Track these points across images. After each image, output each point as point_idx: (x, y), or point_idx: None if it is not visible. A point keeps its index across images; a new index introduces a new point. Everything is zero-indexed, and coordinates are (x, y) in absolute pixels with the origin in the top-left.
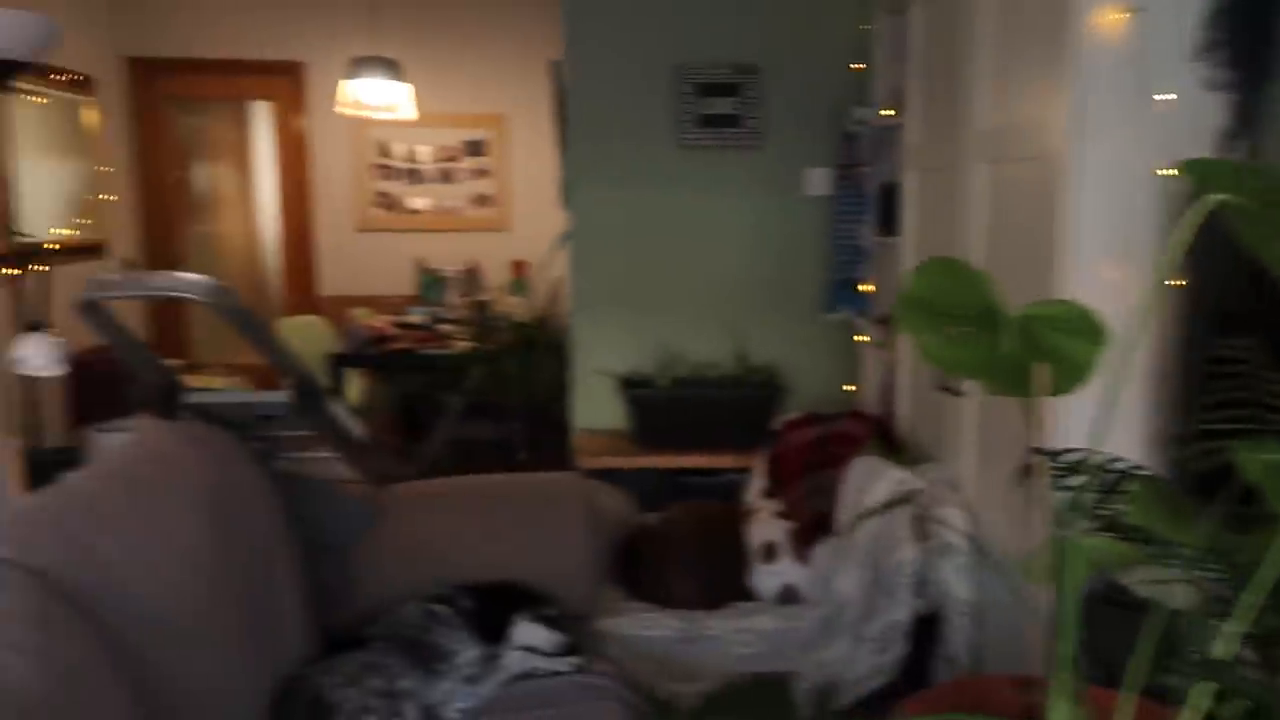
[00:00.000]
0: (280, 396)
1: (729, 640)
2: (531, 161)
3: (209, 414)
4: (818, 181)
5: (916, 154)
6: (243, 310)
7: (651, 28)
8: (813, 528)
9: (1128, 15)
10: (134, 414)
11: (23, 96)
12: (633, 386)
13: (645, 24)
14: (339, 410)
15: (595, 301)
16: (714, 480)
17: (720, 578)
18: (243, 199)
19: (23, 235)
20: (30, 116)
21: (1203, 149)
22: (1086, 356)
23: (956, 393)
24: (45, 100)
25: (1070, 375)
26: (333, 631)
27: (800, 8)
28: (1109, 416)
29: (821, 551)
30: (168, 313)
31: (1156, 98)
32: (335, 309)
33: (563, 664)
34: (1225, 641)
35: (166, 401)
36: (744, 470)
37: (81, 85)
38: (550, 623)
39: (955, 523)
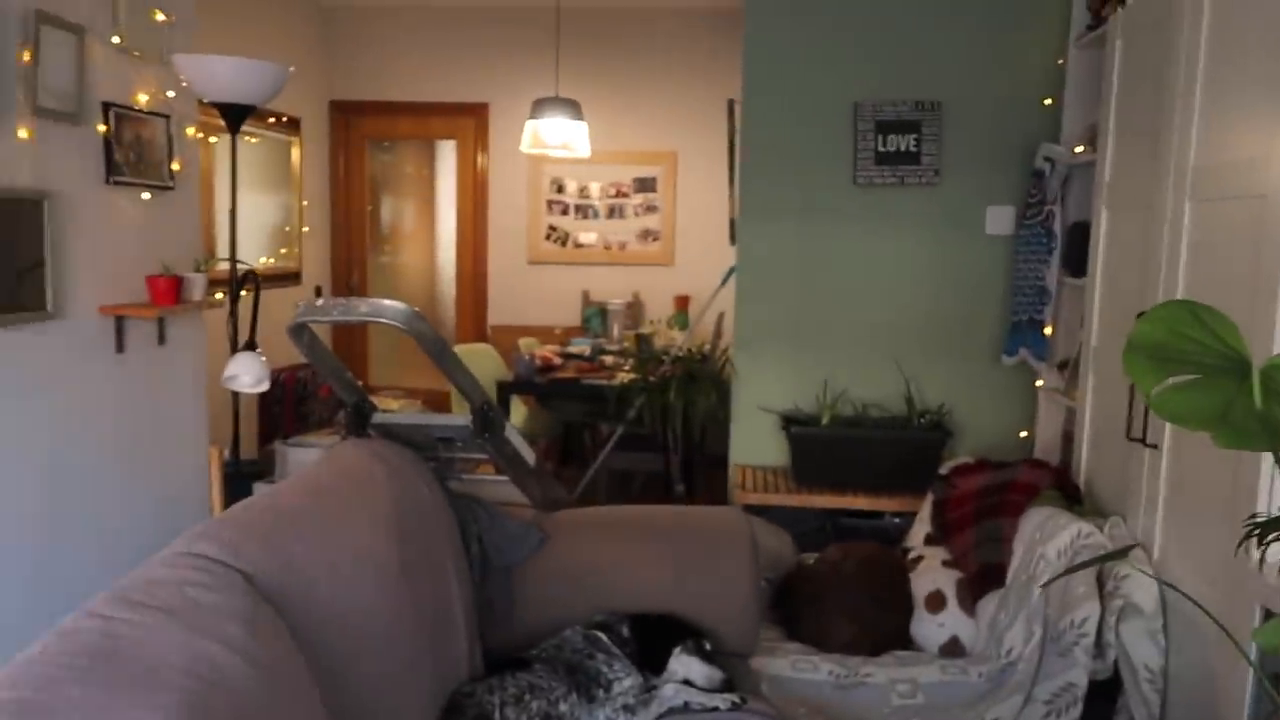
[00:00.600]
0: (460, 420)
1: (887, 689)
2: (699, 198)
3: (394, 433)
4: (999, 220)
5: (1111, 192)
6: (435, 337)
7: (832, 66)
8: (982, 579)
9: None
10: (317, 429)
11: (244, 137)
12: (794, 424)
13: (826, 63)
14: (514, 436)
15: (760, 337)
16: (874, 523)
17: (881, 624)
18: (424, 232)
19: (241, 263)
20: (246, 155)
21: None
22: None
23: (1151, 445)
24: (260, 140)
25: None
26: (493, 650)
27: (990, 43)
28: None
29: (989, 604)
30: (346, 337)
31: None
32: (504, 338)
33: (719, 700)
34: None
35: (357, 420)
36: (907, 514)
37: (291, 126)
38: (708, 657)
39: (1141, 582)
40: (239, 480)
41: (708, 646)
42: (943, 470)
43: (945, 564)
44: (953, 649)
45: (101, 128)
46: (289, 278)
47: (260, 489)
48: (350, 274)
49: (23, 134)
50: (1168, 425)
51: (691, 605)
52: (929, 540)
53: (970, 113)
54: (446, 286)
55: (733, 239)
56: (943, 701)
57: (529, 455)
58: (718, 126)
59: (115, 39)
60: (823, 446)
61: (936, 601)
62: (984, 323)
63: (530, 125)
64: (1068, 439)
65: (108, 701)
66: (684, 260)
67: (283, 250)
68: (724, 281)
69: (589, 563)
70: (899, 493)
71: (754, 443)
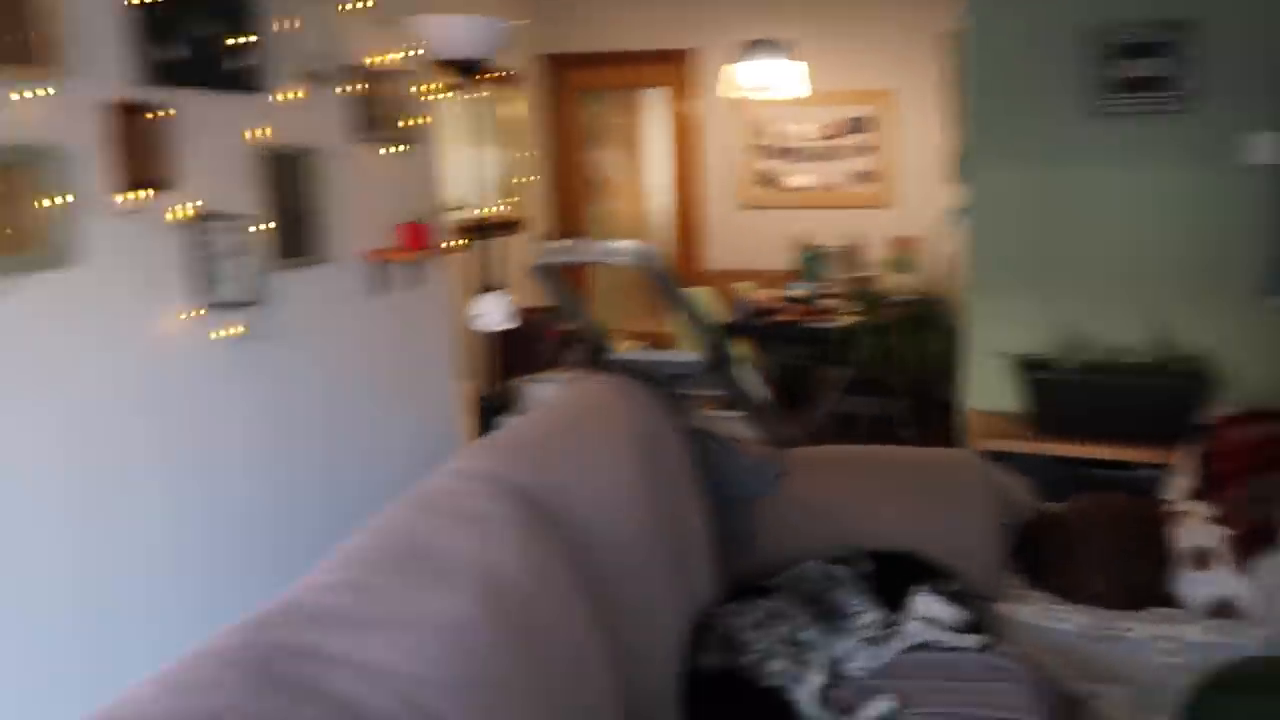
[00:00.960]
0: (693, 357)
1: (1148, 647)
2: (916, 137)
3: (630, 370)
4: (1264, 148)
5: None
6: (667, 275)
7: None
8: (1255, 537)
9: None
10: (551, 367)
11: (467, 93)
12: (1034, 369)
13: None
14: (745, 374)
15: (994, 279)
16: (1123, 474)
17: (1133, 577)
18: (633, 180)
19: (480, 210)
20: (468, 111)
21: None
22: None
23: None
24: (480, 96)
25: None
26: (735, 580)
27: None
28: None
29: (1267, 566)
30: (571, 280)
31: None
32: (720, 283)
33: (964, 640)
34: None
35: (596, 357)
36: (1160, 466)
37: (510, 80)
38: (952, 597)
39: None
40: (489, 413)
41: (953, 587)
42: (1207, 420)
43: (1211, 520)
44: (1223, 610)
45: (353, 88)
46: (514, 226)
47: (506, 421)
48: (569, 222)
49: (292, 96)
50: None
51: (930, 545)
52: (1194, 495)
53: (1228, 31)
54: (658, 233)
55: (956, 178)
56: (1212, 663)
57: (760, 392)
58: (935, 62)
59: (365, 3)
60: (1066, 392)
61: (1202, 559)
62: (1248, 261)
63: (739, 68)
64: None
65: (418, 589)
66: (902, 202)
67: (505, 200)
68: (954, 221)
69: (825, 498)
70: (1152, 443)
71: (987, 388)
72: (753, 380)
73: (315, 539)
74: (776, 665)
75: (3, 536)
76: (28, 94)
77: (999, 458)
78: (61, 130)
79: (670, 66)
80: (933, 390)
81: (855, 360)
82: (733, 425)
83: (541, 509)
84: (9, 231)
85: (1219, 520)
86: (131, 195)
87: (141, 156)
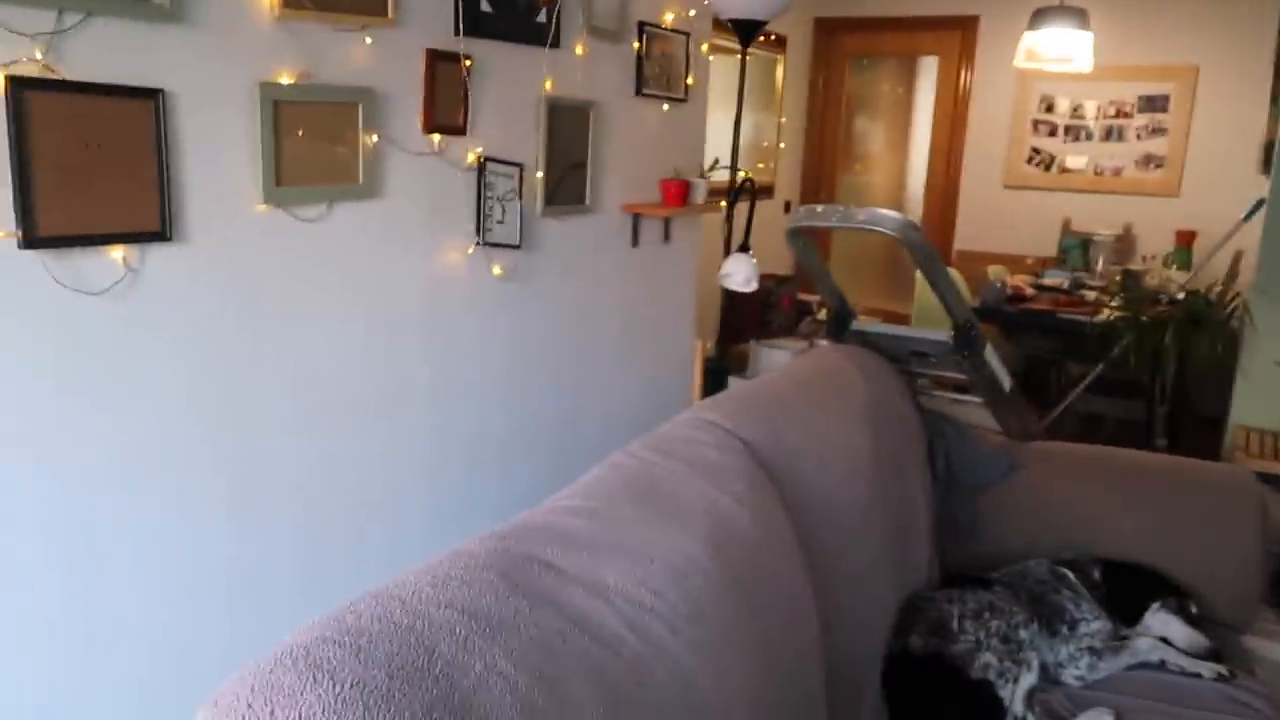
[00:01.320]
0: (940, 335)
1: None
2: (1216, 119)
3: (870, 342)
4: None
5: None
6: (928, 248)
7: None
8: None
9: None
10: (786, 334)
11: (738, 55)
12: None
13: None
14: (993, 358)
15: None
16: None
17: None
18: (896, 152)
19: (740, 172)
20: (736, 73)
21: None
22: None
23: None
24: (751, 58)
25: None
26: (951, 567)
27: None
28: None
29: None
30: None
31: None
32: (969, 264)
33: (1201, 667)
34: None
35: (838, 326)
36: None
37: (778, 44)
38: (1192, 620)
39: None
40: (714, 372)
41: (1194, 609)
42: None
43: None
44: None
45: (635, 45)
46: (763, 191)
47: (736, 382)
48: (819, 191)
49: (579, 50)
50: None
51: (1174, 562)
52: None
53: None
54: (914, 208)
55: (1265, 167)
56: None
57: (1005, 380)
58: (1254, 36)
59: None
60: None
61: None
62: None
63: (1027, 37)
64: None
65: (651, 524)
66: (1192, 191)
67: (760, 165)
68: (1249, 215)
69: (1059, 497)
70: None
71: (1264, 402)
72: (999, 366)
73: (546, 470)
74: (987, 658)
75: (287, 435)
76: (368, 39)
77: (1271, 480)
78: (387, 74)
79: (951, 33)
80: (1193, 399)
81: (1109, 358)
82: (971, 411)
83: (770, 466)
84: (334, 163)
85: None
86: (434, 137)
87: (446, 102)
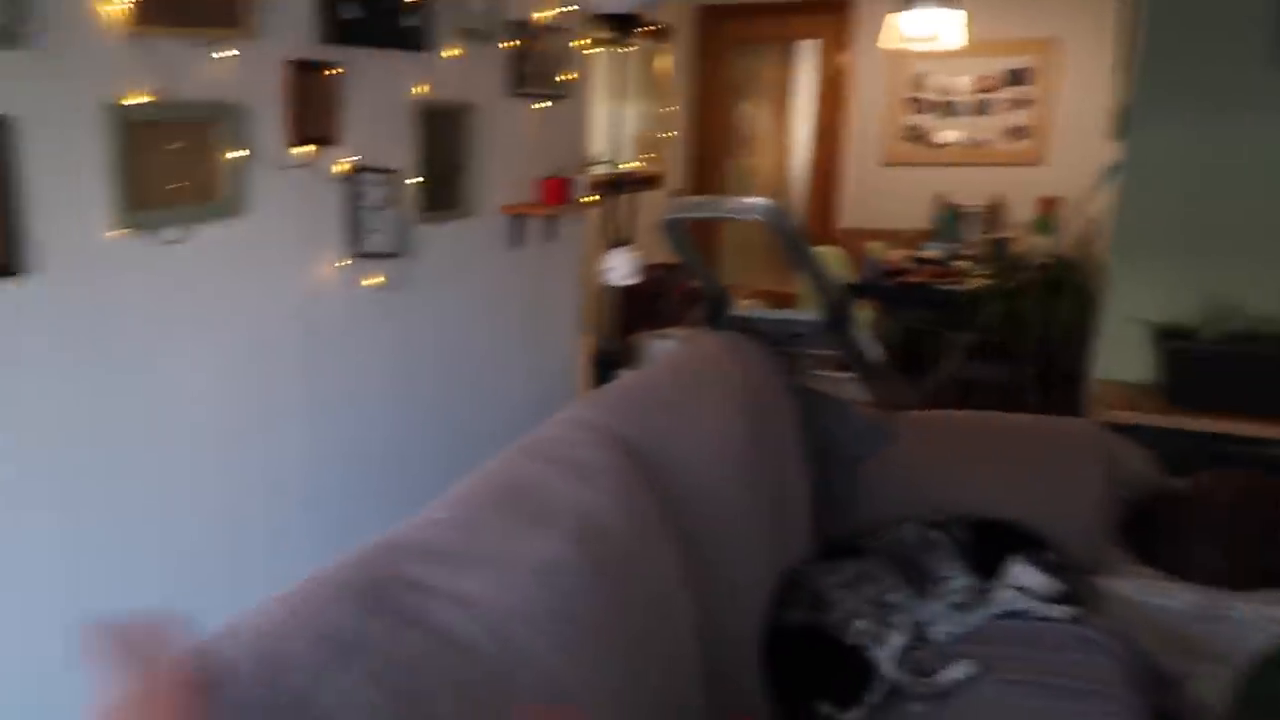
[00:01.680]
0: (813, 317)
1: (1255, 625)
2: (1078, 90)
3: (747, 328)
4: None
5: None
6: (795, 232)
7: None
8: None
9: None
10: (674, 323)
11: (618, 48)
12: (1173, 337)
13: None
14: (863, 336)
15: (1140, 243)
16: (1264, 451)
17: (1249, 558)
18: (778, 135)
19: (616, 166)
20: (617, 65)
21: None
22: None
23: None
24: (637, 48)
25: None
26: (831, 539)
27: None
28: None
29: None
30: (699, 239)
31: None
32: (852, 241)
33: (1056, 610)
34: None
35: (715, 314)
36: None
37: (660, 35)
38: (1048, 567)
39: None
40: (604, 366)
41: (1049, 558)
42: None
43: None
44: None
45: (510, 44)
46: (650, 181)
47: (624, 374)
48: (708, 178)
49: (452, 52)
50: None
51: (1034, 514)
52: None
53: None
54: (798, 189)
55: (1117, 134)
56: None
57: (875, 354)
58: (1112, 6)
59: None
60: (1205, 364)
61: None
62: None
63: (895, 18)
64: None
65: (517, 529)
66: (1057, 159)
67: (650, 155)
68: (1105, 180)
69: (931, 463)
70: None
71: (1121, 357)
72: (869, 342)
73: (436, 479)
74: (860, 625)
75: (160, 462)
76: (225, 54)
77: (1126, 430)
78: (247, 88)
79: (827, 17)
80: (1061, 358)
81: (982, 325)
82: (846, 387)
83: (644, 459)
84: (194, 182)
85: None
86: (301, 150)
87: (313, 113)
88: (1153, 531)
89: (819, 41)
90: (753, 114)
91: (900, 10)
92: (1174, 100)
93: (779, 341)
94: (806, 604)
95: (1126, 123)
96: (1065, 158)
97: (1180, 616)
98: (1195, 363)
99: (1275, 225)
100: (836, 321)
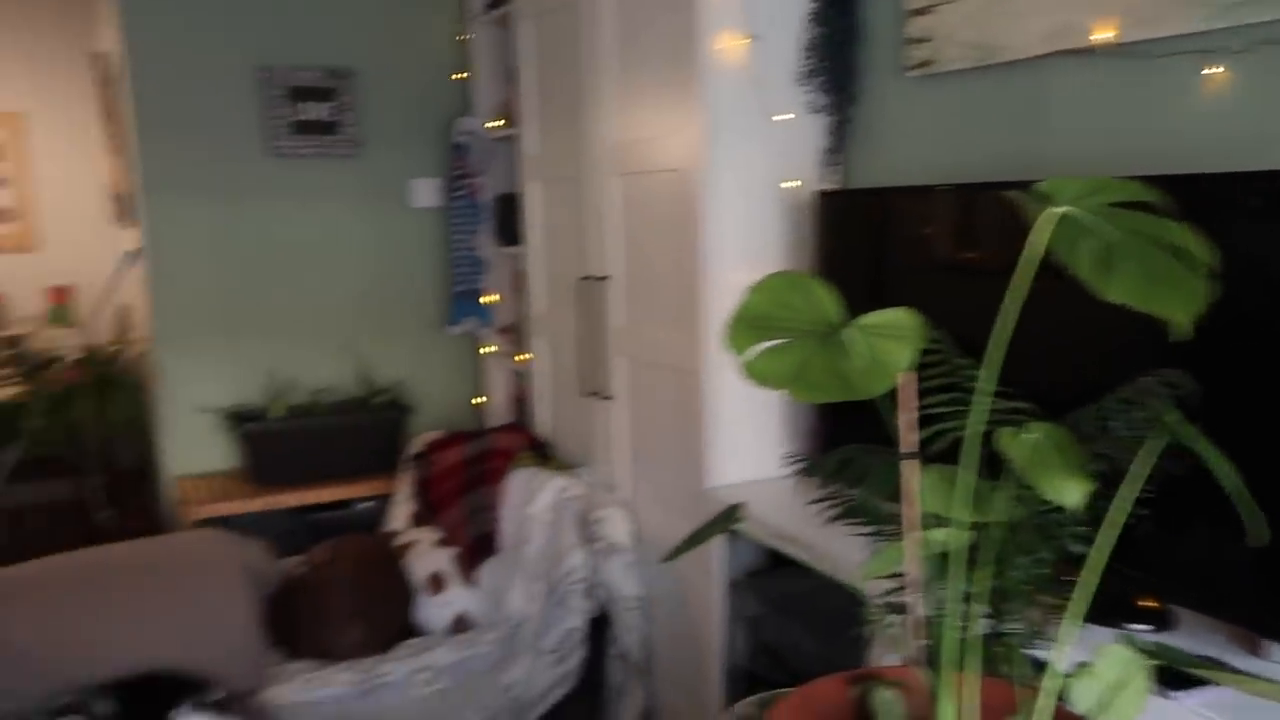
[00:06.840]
0: None
1: (409, 683)
2: (61, 169)
3: None
4: (425, 192)
5: (537, 165)
6: None
7: (233, 24)
8: (477, 550)
9: (747, 41)
10: None
11: None
12: (242, 421)
13: (225, 19)
14: None
15: (182, 328)
16: (348, 513)
17: (385, 618)
18: None
19: None
20: None
21: (814, 165)
22: (899, 357)
23: (607, 397)
24: None
25: (881, 377)
26: None
27: (393, 13)
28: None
29: (489, 572)
30: None
31: (775, 118)
32: None
33: None
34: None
35: None
36: (380, 498)
37: None
38: (218, 708)
39: (617, 523)
40: None
41: (216, 696)
42: (417, 448)
43: (439, 543)
44: (461, 625)
45: None
46: None
47: None
48: None
49: None
50: (621, 376)
51: (184, 653)
52: (418, 521)
53: (384, 84)
54: None
55: (125, 217)
56: (463, 679)
57: None
58: (78, 84)
59: None
60: (277, 441)
61: (437, 582)
62: (426, 296)
63: None
64: (519, 400)
65: None
66: (57, 244)
67: None
68: (123, 267)
69: (33, 635)
70: (367, 477)
71: (194, 448)
72: None
73: None
74: None
75: None
76: None
77: (221, 522)
78: None
79: None
80: (124, 460)
81: (29, 438)
82: None
83: None
84: None
85: (445, 541)
86: None
87: None
88: (293, 622)
89: None
90: None
91: None
92: (180, 188)
93: None
94: None
95: (134, 209)
96: (63, 242)
97: (341, 699)
98: (269, 440)
99: (298, 303)
100: None
